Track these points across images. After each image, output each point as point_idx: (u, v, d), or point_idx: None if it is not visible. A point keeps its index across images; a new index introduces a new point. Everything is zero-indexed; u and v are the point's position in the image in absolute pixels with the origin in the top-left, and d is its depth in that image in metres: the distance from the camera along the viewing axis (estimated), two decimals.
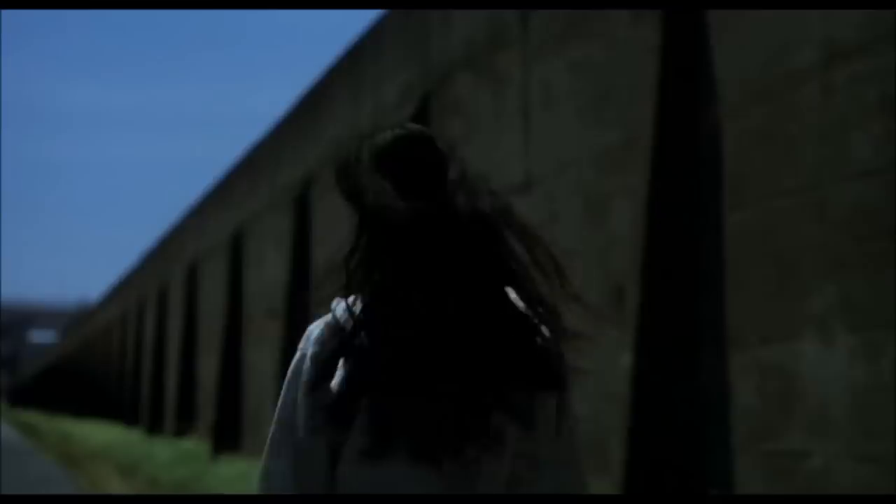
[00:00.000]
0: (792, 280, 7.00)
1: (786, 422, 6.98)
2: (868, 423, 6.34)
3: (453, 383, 2.44)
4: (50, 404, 62.07)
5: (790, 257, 7.03)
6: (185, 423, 26.61)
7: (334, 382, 2.48)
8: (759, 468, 7.15)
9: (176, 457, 21.32)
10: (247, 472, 17.07)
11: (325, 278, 2.66)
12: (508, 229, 2.52)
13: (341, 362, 2.50)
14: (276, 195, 20.00)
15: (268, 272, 20.28)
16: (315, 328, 2.59)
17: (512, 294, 2.53)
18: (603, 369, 8.59)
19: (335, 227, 16.38)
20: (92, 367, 50.56)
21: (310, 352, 2.55)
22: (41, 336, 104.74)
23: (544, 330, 2.55)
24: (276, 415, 2.58)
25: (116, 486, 19.25)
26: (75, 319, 74.15)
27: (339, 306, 2.57)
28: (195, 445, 23.05)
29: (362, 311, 2.53)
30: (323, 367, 2.52)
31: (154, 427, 30.73)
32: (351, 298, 2.57)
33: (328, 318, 2.58)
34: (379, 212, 2.49)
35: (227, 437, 21.40)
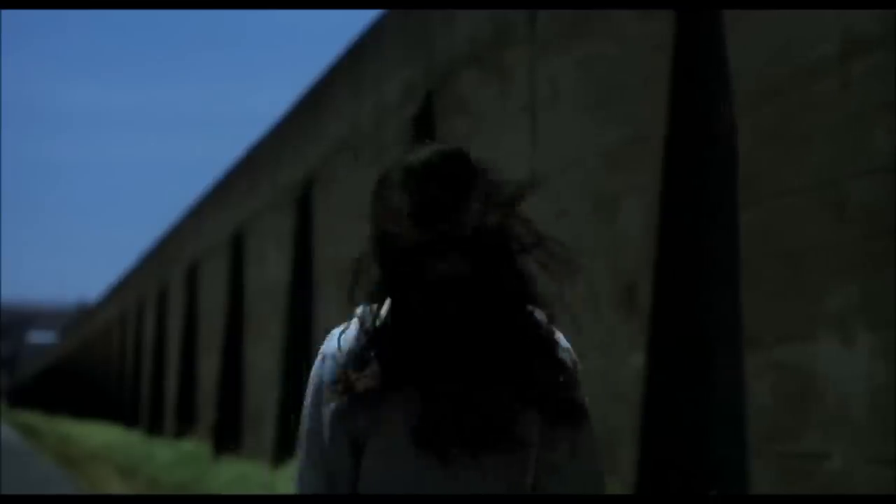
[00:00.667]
0: (808, 278, 6.86)
1: (802, 423, 6.84)
2: (889, 423, 6.20)
3: (483, 388, 2.51)
4: (49, 405, 62.02)
5: (806, 255, 6.89)
6: (185, 424, 26.52)
7: (361, 379, 2.55)
8: (774, 470, 7.02)
9: (176, 458, 21.25)
10: (248, 474, 16.99)
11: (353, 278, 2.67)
12: (523, 244, 2.59)
13: (362, 361, 2.58)
14: (277, 194, 19.88)
15: (269, 271, 20.16)
16: (337, 331, 2.67)
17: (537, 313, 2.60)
18: (613, 369, 8.45)
19: (337, 226, 16.25)
20: (91, 367, 50.48)
21: (333, 354, 2.63)
22: (40, 337, 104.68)
23: (561, 343, 2.63)
24: (303, 417, 2.65)
25: (116, 488, 19.19)
26: (75, 320, 74.05)
27: (363, 311, 2.64)
28: (195, 446, 22.97)
29: (388, 318, 2.59)
30: (347, 368, 2.59)
31: (154, 428, 30.63)
32: (374, 305, 2.64)
33: (352, 320, 2.66)
34: (388, 236, 2.55)
35: (228, 438, 21.31)
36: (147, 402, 32.98)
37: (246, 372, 21.62)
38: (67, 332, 74.81)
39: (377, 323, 2.61)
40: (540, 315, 2.62)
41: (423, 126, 12.69)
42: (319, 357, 2.68)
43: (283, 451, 16.95)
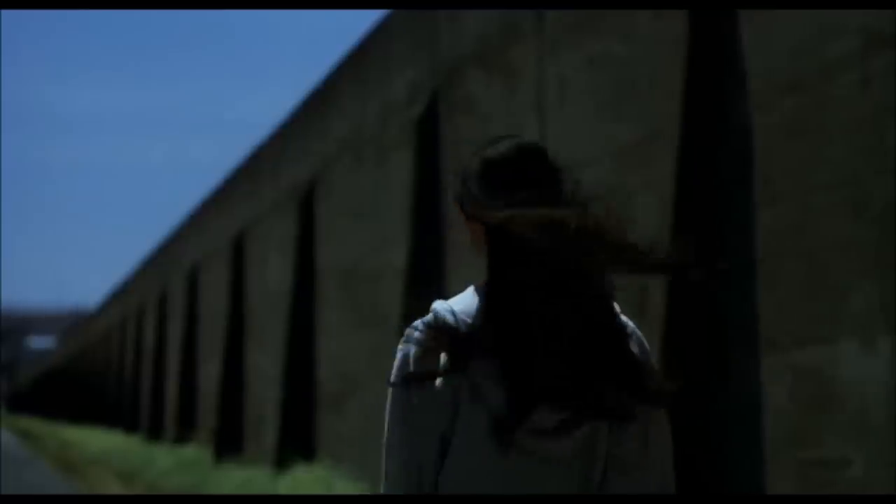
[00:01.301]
0: (827, 279, 6.68)
1: (822, 428, 6.65)
2: None
3: (569, 380, 2.55)
4: (49, 410, 61.89)
5: (825, 255, 6.71)
6: (185, 430, 26.39)
7: (455, 378, 2.56)
8: (792, 477, 6.83)
9: (177, 463, 21.13)
10: (250, 479, 16.85)
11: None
12: (608, 234, 2.65)
13: (446, 358, 2.57)
14: (279, 197, 19.71)
15: (270, 275, 20.00)
16: (414, 329, 2.66)
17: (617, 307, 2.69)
18: None
19: (340, 230, 16.08)
20: (91, 372, 50.36)
21: (412, 351, 2.62)
22: (40, 342, 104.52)
23: (643, 343, 2.74)
24: (388, 415, 2.64)
25: (116, 494, 19.06)
26: (74, 325, 73.93)
27: (440, 306, 2.65)
28: (196, 452, 22.84)
29: (479, 313, 2.62)
30: (427, 363, 2.60)
31: (154, 433, 30.51)
32: (453, 300, 2.66)
33: (428, 318, 2.65)
34: (506, 225, 2.57)
35: (229, 444, 21.17)
36: (147, 408, 32.84)
37: (247, 377, 21.47)
38: (67, 337, 74.67)
39: (456, 324, 2.61)
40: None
41: (429, 126, 12.51)
42: (399, 354, 2.66)
43: (285, 456, 16.79)
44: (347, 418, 14.89)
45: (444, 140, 12.15)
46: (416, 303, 3.01)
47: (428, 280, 11.85)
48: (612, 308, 2.71)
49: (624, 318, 2.75)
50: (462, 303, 2.66)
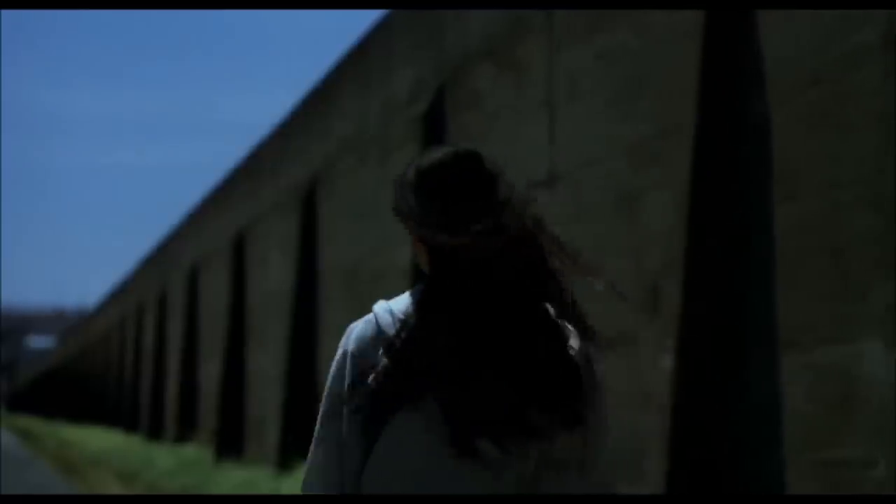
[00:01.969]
0: (850, 276, 6.51)
1: (844, 428, 6.48)
2: None
3: (504, 384, 2.54)
4: (48, 410, 61.79)
5: (847, 252, 6.54)
6: (186, 429, 26.27)
7: (377, 377, 2.57)
8: (813, 478, 6.66)
9: (177, 463, 21.01)
10: (251, 480, 16.73)
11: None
12: (544, 244, 2.65)
13: (383, 358, 2.58)
14: (281, 196, 19.56)
15: (271, 274, 19.85)
16: (356, 327, 2.69)
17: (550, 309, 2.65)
18: (637, 373, 8.10)
19: (342, 228, 15.92)
20: (90, 372, 50.25)
21: (351, 349, 2.65)
22: (39, 341, 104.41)
23: (574, 342, 2.66)
24: (321, 409, 2.68)
25: (116, 494, 18.95)
26: (73, 325, 73.79)
27: (380, 307, 2.67)
28: (197, 452, 22.72)
29: (411, 314, 2.62)
30: (364, 363, 2.61)
31: (154, 433, 30.39)
32: (393, 301, 2.68)
33: (369, 317, 2.68)
34: (426, 237, 2.61)
35: (230, 444, 21.04)
36: (147, 407, 32.71)
37: (248, 377, 21.33)
38: (66, 336, 74.56)
39: (395, 326, 2.63)
40: (552, 312, 2.65)
41: (434, 123, 12.35)
42: (339, 351, 2.69)
43: (287, 456, 16.64)
44: None
45: (449, 137, 11.98)
46: None
47: None
48: (549, 320, 2.63)
49: (561, 321, 2.66)
50: (402, 303, 2.68)
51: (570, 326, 2.69)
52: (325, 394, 2.69)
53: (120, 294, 44.60)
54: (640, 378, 8.11)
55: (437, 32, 12.55)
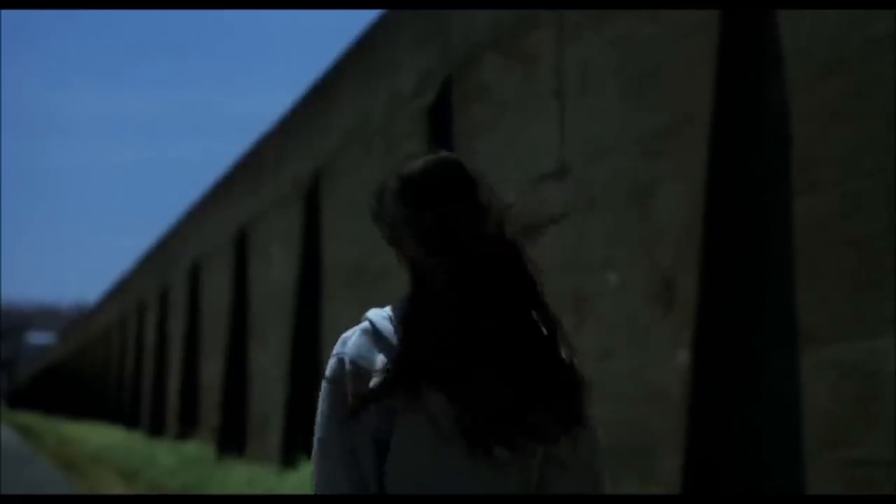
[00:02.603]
0: (871, 270, 6.33)
1: (866, 427, 6.30)
2: None
3: (505, 384, 2.54)
4: (49, 406, 61.68)
5: (868, 244, 6.36)
6: (187, 426, 26.13)
7: (382, 380, 2.57)
8: (834, 477, 6.48)
9: (179, 461, 20.88)
10: (254, 478, 16.59)
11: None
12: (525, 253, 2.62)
13: (380, 363, 2.59)
14: (283, 191, 19.38)
15: (274, 270, 19.68)
16: (351, 335, 2.67)
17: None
18: (650, 368, 7.92)
19: (346, 223, 15.74)
20: (91, 368, 50.12)
21: (349, 355, 2.63)
22: (40, 338, 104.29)
23: (563, 346, 2.64)
24: (318, 417, 2.66)
25: (118, 491, 18.82)
26: (74, 321, 73.68)
27: (375, 314, 2.67)
28: (198, 449, 22.56)
29: (405, 319, 2.62)
30: (365, 369, 2.60)
31: (155, 430, 30.25)
32: (387, 308, 2.68)
33: (364, 325, 2.66)
34: (409, 250, 2.63)
35: (233, 441, 20.90)
36: (148, 405, 32.56)
37: (250, 374, 21.17)
38: (67, 333, 74.46)
39: (391, 331, 2.64)
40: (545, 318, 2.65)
41: (440, 116, 12.17)
42: (334, 359, 2.67)
43: (290, 454, 16.48)
44: None
45: (456, 130, 11.80)
46: None
47: None
48: (534, 325, 2.62)
49: (554, 330, 2.64)
50: (396, 310, 2.68)
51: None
52: (321, 402, 2.67)
53: (121, 291, 44.45)
54: (653, 374, 7.94)
55: (444, 23, 12.36)
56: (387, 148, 14.16)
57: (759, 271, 7.18)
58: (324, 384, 2.67)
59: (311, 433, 2.68)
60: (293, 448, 16.59)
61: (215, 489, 16.30)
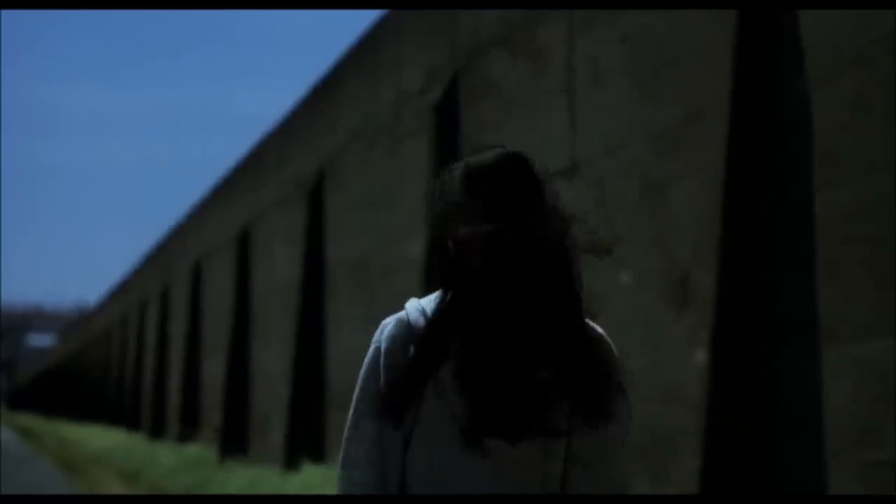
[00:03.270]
0: (894, 267, 6.17)
1: (889, 427, 6.14)
2: None
3: (525, 380, 2.55)
4: (49, 408, 61.58)
5: (892, 241, 6.19)
6: (189, 428, 25.99)
7: (403, 369, 2.60)
8: (855, 480, 6.32)
9: (181, 463, 20.75)
10: (257, 479, 16.45)
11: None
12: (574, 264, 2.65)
13: (408, 356, 2.62)
14: (287, 189, 19.23)
15: (277, 269, 19.54)
16: (388, 323, 2.70)
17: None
18: (666, 367, 7.77)
19: (350, 221, 15.59)
20: (91, 369, 49.99)
21: (384, 346, 2.67)
22: (40, 339, 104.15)
23: (599, 344, 2.68)
24: (353, 405, 2.69)
25: (118, 493, 18.69)
26: (74, 322, 73.57)
27: (411, 305, 2.70)
28: (200, 451, 22.43)
29: (440, 312, 2.64)
30: (396, 359, 2.64)
31: (156, 431, 30.12)
32: (425, 299, 2.71)
33: (401, 314, 2.69)
34: (465, 235, 2.60)
35: (235, 443, 20.77)
36: (149, 406, 32.43)
37: (253, 374, 21.03)
38: (67, 334, 74.33)
39: (423, 323, 2.66)
40: (589, 321, 2.70)
41: (447, 112, 12.01)
42: (372, 347, 2.71)
43: (293, 455, 16.32)
44: None
45: (463, 126, 11.65)
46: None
47: None
48: (573, 321, 2.65)
49: (592, 325, 2.70)
50: (433, 302, 2.71)
51: (595, 326, 2.72)
52: (357, 390, 2.70)
53: (122, 291, 44.32)
54: (669, 373, 7.78)
55: (451, 19, 12.20)
56: (391, 146, 14.00)
57: (778, 268, 7.02)
58: (363, 370, 2.70)
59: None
60: (296, 449, 16.45)
61: (217, 491, 16.18)
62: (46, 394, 69.27)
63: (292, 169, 19.10)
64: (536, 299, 2.59)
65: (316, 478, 14.52)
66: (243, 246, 22.22)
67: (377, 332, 2.71)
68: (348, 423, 2.70)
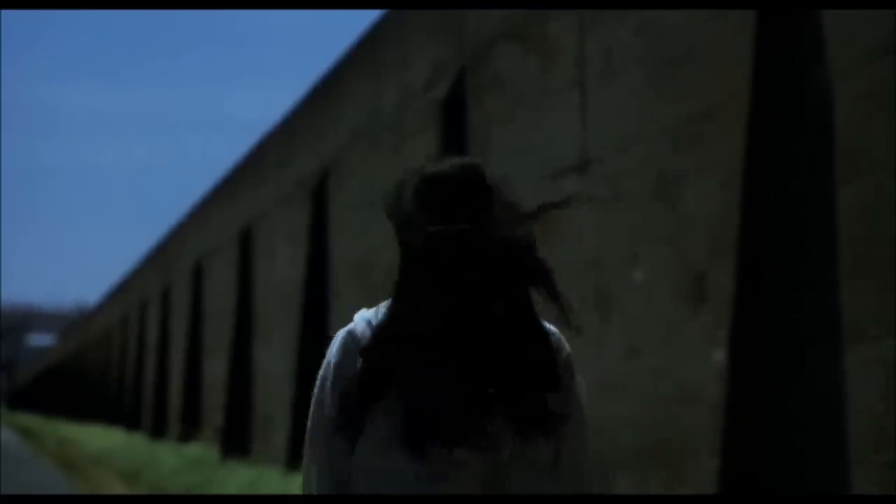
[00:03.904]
0: None
1: None
2: None
3: (464, 385, 2.55)
4: (49, 408, 61.48)
5: None
6: (190, 428, 25.86)
7: (349, 383, 2.64)
8: (880, 480, 6.15)
9: (181, 462, 20.65)
10: (258, 480, 16.33)
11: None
12: (530, 263, 2.61)
13: (359, 364, 2.64)
14: (289, 188, 19.08)
15: (280, 268, 19.39)
16: (339, 336, 2.74)
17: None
18: (682, 367, 7.61)
19: (354, 220, 15.43)
20: (92, 369, 49.88)
21: (334, 360, 2.71)
22: (40, 339, 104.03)
23: (553, 337, 2.67)
24: (309, 419, 2.74)
25: (119, 494, 18.56)
26: (74, 322, 73.46)
27: (359, 316, 2.74)
28: (201, 451, 22.31)
29: (384, 319, 2.66)
30: (345, 371, 2.67)
31: (157, 431, 30.00)
32: (373, 309, 2.72)
33: (351, 326, 2.73)
34: (412, 234, 2.63)
35: (236, 443, 20.64)
36: (150, 405, 32.30)
37: (255, 374, 20.89)
38: (67, 334, 74.22)
39: (368, 332, 2.69)
40: (550, 328, 2.68)
41: (454, 108, 11.84)
42: (325, 362, 2.74)
43: (296, 455, 16.18)
44: None
45: (470, 122, 11.47)
46: None
47: None
48: (527, 324, 2.64)
49: (545, 325, 2.67)
50: (381, 312, 2.72)
51: (549, 325, 2.69)
52: (311, 407, 2.75)
53: (122, 291, 44.19)
54: (686, 373, 7.61)
55: (459, 13, 12.02)
56: (396, 144, 13.83)
57: (799, 265, 6.85)
58: (316, 384, 2.74)
59: None
60: (299, 449, 16.29)
61: (218, 491, 16.06)
62: (46, 394, 69.17)
63: (295, 168, 18.95)
64: (482, 305, 2.58)
65: None
66: (245, 245, 22.08)
67: (330, 346, 2.74)
68: (307, 435, 2.74)
